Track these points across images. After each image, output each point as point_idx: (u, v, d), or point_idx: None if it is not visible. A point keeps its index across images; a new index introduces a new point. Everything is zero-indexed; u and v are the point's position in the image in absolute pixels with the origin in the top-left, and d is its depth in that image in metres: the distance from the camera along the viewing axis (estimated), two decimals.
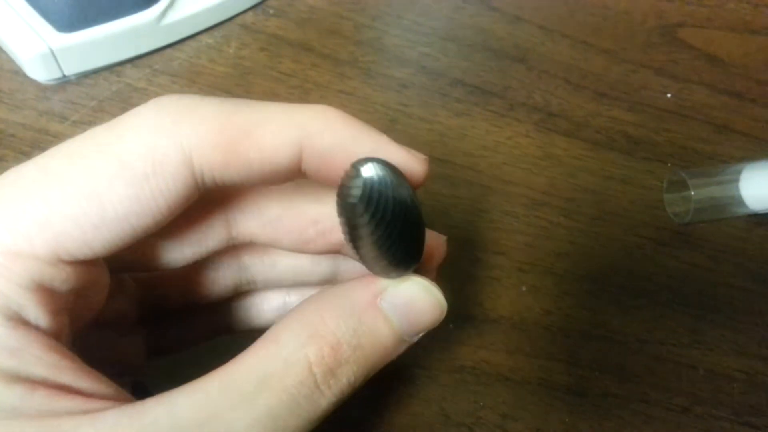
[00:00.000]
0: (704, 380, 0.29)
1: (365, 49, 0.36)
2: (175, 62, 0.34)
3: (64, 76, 0.32)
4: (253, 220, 0.19)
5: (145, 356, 0.21)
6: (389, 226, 0.16)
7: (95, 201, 0.14)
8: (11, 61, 0.32)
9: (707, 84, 0.38)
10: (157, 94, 0.33)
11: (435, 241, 0.21)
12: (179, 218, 0.17)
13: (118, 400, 0.15)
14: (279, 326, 0.16)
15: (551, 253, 0.31)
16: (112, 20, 0.32)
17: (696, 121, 0.37)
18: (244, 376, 0.15)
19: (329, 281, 0.22)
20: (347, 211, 0.15)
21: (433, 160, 0.33)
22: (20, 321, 0.14)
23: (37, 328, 0.15)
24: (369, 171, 0.15)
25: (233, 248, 0.20)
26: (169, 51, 0.34)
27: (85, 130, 0.31)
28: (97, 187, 0.14)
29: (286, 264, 0.21)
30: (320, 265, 0.21)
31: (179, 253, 0.19)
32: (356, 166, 0.15)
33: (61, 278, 0.15)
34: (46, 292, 0.15)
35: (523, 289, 0.30)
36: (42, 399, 0.14)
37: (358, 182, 0.15)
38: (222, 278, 0.21)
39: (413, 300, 0.18)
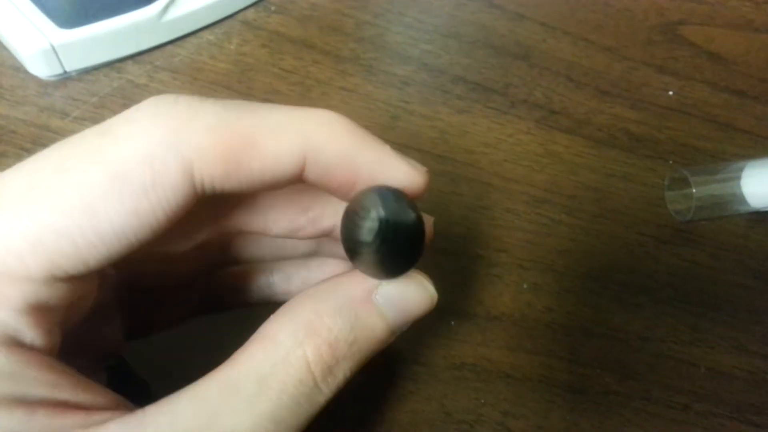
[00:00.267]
0: (705, 378, 0.29)
1: (367, 46, 0.36)
2: (176, 59, 0.34)
3: (65, 72, 0.32)
4: (244, 210, 0.19)
5: (123, 339, 0.21)
6: (394, 249, 0.16)
7: (90, 216, 0.14)
8: (12, 57, 0.32)
9: (709, 82, 0.38)
10: (158, 91, 0.33)
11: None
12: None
13: (118, 409, 0.15)
14: (274, 324, 0.16)
15: (552, 251, 0.31)
16: (113, 16, 0.32)
17: (698, 119, 0.37)
18: (243, 378, 0.15)
19: (312, 255, 0.22)
20: (356, 243, 0.16)
21: (435, 157, 0.33)
22: (16, 344, 0.14)
23: (32, 348, 0.14)
24: (383, 210, 0.15)
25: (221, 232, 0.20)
26: (170, 47, 0.34)
27: (86, 126, 0.31)
28: (92, 201, 0.14)
29: (269, 241, 0.21)
30: (304, 242, 0.21)
31: (166, 247, 0.18)
32: (368, 201, 0.15)
33: (56, 296, 0.14)
34: (41, 311, 0.14)
35: (525, 286, 0.30)
36: (42, 419, 0.13)
37: (373, 223, 0.15)
38: (202, 257, 0.21)
39: (406, 293, 0.18)
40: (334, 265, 0.22)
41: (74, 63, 0.32)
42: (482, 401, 0.27)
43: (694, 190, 0.32)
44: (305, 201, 0.19)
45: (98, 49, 0.32)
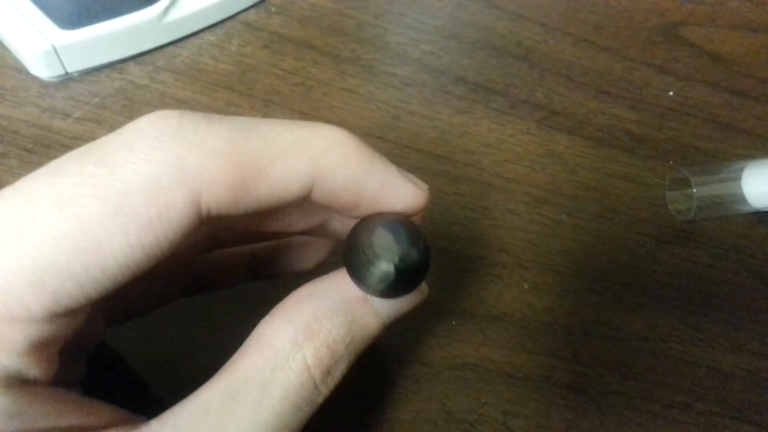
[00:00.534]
0: (706, 377, 0.29)
1: (367, 47, 0.36)
2: (178, 59, 0.34)
3: (67, 73, 0.32)
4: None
5: (103, 326, 0.20)
6: (401, 288, 0.16)
7: (93, 253, 0.13)
8: (14, 58, 0.32)
9: (709, 82, 0.38)
10: (159, 92, 0.33)
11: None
12: None
13: (123, 424, 0.15)
14: (272, 326, 0.16)
15: (553, 251, 0.31)
16: (114, 17, 0.32)
17: (698, 119, 0.37)
18: (245, 385, 0.15)
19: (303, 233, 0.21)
20: (365, 283, 0.16)
21: (435, 158, 0.33)
22: (20, 383, 0.13)
23: (36, 383, 0.14)
24: (398, 259, 0.15)
25: None
26: (171, 48, 0.34)
27: (87, 126, 0.31)
28: (95, 237, 0.13)
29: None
30: (304, 221, 0.20)
31: None
32: (381, 241, 0.15)
33: (59, 332, 0.14)
34: (43, 348, 0.14)
35: (525, 286, 0.30)
36: None
37: (387, 272, 0.15)
38: (190, 245, 0.20)
39: (407, 298, 0.18)
40: (320, 245, 0.22)
41: (75, 64, 0.32)
42: (483, 401, 0.27)
43: (694, 190, 0.32)
44: (309, 207, 0.18)
45: (99, 50, 0.32)
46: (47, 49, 0.31)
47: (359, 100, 0.34)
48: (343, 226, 0.19)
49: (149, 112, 0.34)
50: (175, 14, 0.34)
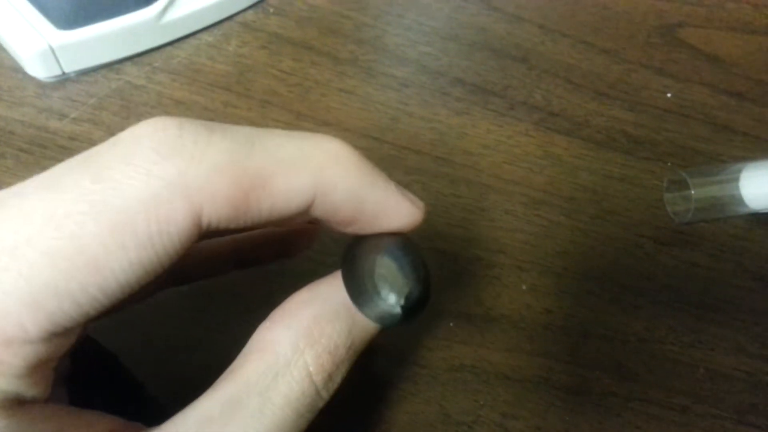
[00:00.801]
0: (705, 379, 0.29)
1: (365, 48, 0.36)
2: (175, 60, 0.34)
3: (64, 73, 0.32)
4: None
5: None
6: (404, 319, 0.16)
7: (92, 273, 0.13)
8: (10, 58, 0.32)
9: (707, 84, 0.38)
10: (156, 92, 0.33)
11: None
12: None
13: (123, 430, 0.15)
14: (272, 332, 0.16)
15: (551, 252, 0.31)
16: (112, 18, 0.32)
17: (696, 121, 0.37)
18: (246, 393, 0.15)
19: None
20: (367, 313, 0.16)
21: (433, 159, 0.33)
22: (17, 403, 0.13)
23: (35, 402, 0.14)
24: (404, 298, 0.15)
25: None
26: (169, 49, 0.34)
27: (84, 127, 0.31)
28: (93, 256, 0.13)
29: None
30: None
31: None
32: (384, 272, 0.15)
33: (56, 351, 0.14)
34: (40, 367, 0.14)
35: (524, 287, 0.30)
36: None
37: (393, 310, 0.15)
38: None
39: None
40: (307, 232, 0.22)
41: (73, 64, 0.32)
42: (481, 402, 0.27)
43: (692, 192, 0.32)
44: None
45: (97, 50, 0.32)
46: (44, 49, 0.31)
47: (357, 101, 0.34)
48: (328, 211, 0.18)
49: (146, 112, 0.34)
50: (172, 15, 0.34)
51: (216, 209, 0.13)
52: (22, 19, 0.31)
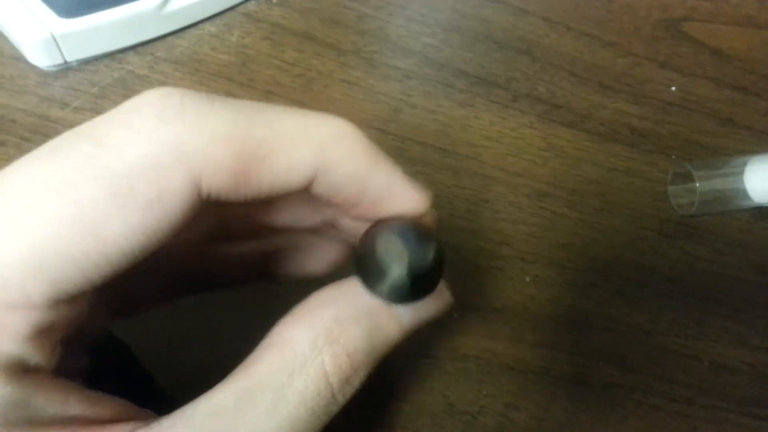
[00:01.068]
0: (708, 372, 0.29)
1: (368, 39, 0.36)
2: (178, 50, 0.34)
3: (66, 62, 0.32)
4: (251, 208, 0.18)
5: (108, 319, 0.20)
6: (416, 294, 0.16)
7: (93, 237, 0.13)
8: (12, 46, 0.32)
9: (712, 78, 0.38)
10: (159, 82, 0.33)
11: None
12: None
13: (131, 419, 0.14)
14: (291, 328, 0.16)
15: (555, 244, 0.31)
16: (114, 7, 0.32)
17: (700, 115, 0.37)
18: (260, 389, 0.15)
19: (318, 229, 0.20)
20: (378, 292, 0.16)
21: (437, 151, 0.33)
22: (22, 370, 0.13)
23: (39, 371, 0.14)
24: (409, 268, 0.15)
25: None
26: (171, 38, 0.34)
27: (86, 116, 0.31)
28: (94, 220, 0.13)
29: (266, 217, 0.19)
30: (307, 219, 0.19)
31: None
32: (392, 248, 0.15)
33: (59, 317, 0.14)
34: (44, 334, 0.14)
35: (527, 279, 0.30)
36: None
37: (401, 281, 0.15)
38: (196, 237, 0.19)
39: (429, 306, 0.17)
40: (332, 248, 0.21)
41: (75, 53, 0.32)
42: (485, 393, 0.27)
43: (697, 185, 0.32)
44: (314, 203, 0.17)
45: (99, 39, 0.32)
46: (46, 37, 0.30)
47: (360, 93, 0.34)
48: (354, 228, 0.18)
49: None
50: (175, 4, 0.33)
51: (216, 178, 0.13)
52: (24, 7, 0.30)
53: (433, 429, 0.26)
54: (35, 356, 0.13)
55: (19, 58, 0.32)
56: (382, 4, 0.37)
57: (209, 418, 0.14)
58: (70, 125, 0.31)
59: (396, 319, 0.17)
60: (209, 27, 0.35)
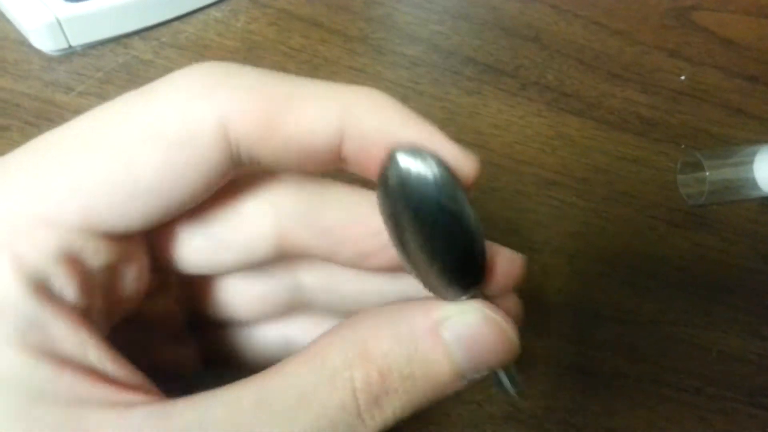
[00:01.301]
0: (717, 361, 0.29)
1: (375, 26, 0.36)
2: (183, 35, 0.33)
3: (70, 46, 0.31)
4: (306, 228, 0.16)
5: (198, 365, 0.19)
6: (432, 224, 0.14)
7: (127, 169, 0.13)
8: (17, 31, 0.31)
9: (721, 67, 0.38)
10: (164, 67, 0.32)
11: (506, 258, 0.17)
12: (224, 220, 0.16)
13: (147, 392, 0.14)
14: (325, 340, 0.15)
15: (563, 233, 0.31)
16: None
17: (709, 104, 0.36)
18: (282, 393, 0.14)
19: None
20: (384, 201, 0.14)
21: None
22: (47, 293, 0.13)
23: (63, 302, 0.13)
24: (409, 157, 0.14)
25: (288, 263, 0.18)
26: (176, 24, 0.34)
27: (91, 101, 0.30)
28: (129, 154, 0.13)
29: (349, 287, 0.18)
30: (388, 292, 0.18)
31: (221, 256, 0.17)
32: (395, 149, 0.14)
33: (92, 250, 0.14)
34: (75, 264, 0.14)
35: (535, 268, 0.29)
36: (69, 382, 0.13)
37: (396, 168, 0.14)
38: (272, 294, 0.19)
39: (479, 331, 0.15)
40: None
41: (79, 38, 0.31)
42: (491, 382, 0.26)
43: (707, 174, 0.31)
44: (376, 224, 0.16)
45: (104, 23, 0.32)
46: (51, 21, 0.30)
47: (367, 80, 0.34)
48: (359, 154, 0.16)
49: None
50: None
51: (242, 127, 0.14)
52: None
53: (440, 418, 0.26)
54: (61, 282, 0.13)
55: (23, 43, 0.31)
56: None
57: (225, 412, 0.13)
58: (75, 110, 0.31)
59: (444, 348, 0.15)
60: (215, 12, 0.35)
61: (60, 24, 0.30)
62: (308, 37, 0.34)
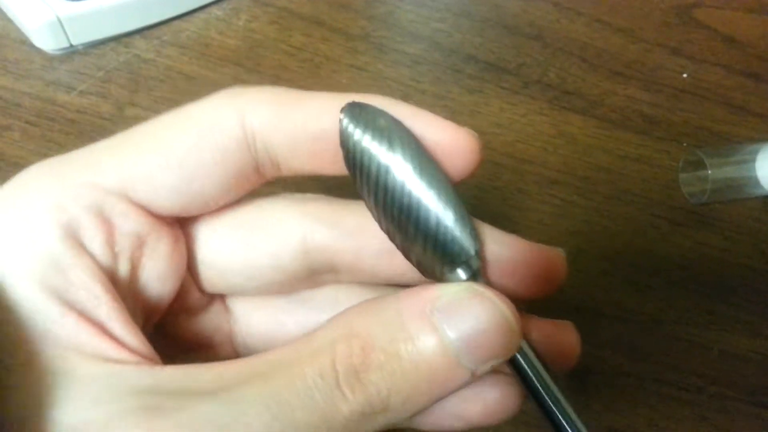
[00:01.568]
0: (718, 360, 0.29)
1: (377, 24, 0.36)
2: (184, 34, 0.33)
3: (72, 45, 0.31)
4: (331, 228, 0.17)
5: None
6: (392, 183, 0.15)
7: (160, 148, 0.15)
8: (18, 30, 0.31)
9: (723, 65, 0.38)
10: (165, 66, 0.32)
11: (548, 255, 0.17)
12: (250, 226, 0.17)
13: (147, 358, 0.14)
14: (318, 326, 0.15)
15: (565, 232, 0.31)
16: None
17: (712, 102, 0.36)
18: (267, 362, 0.14)
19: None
20: (342, 145, 0.15)
21: None
22: (76, 241, 0.15)
23: (88, 254, 0.15)
24: (353, 108, 0.15)
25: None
26: (177, 22, 0.34)
27: (92, 100, 0.30)
28: (163, 137, 0.16)
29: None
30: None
31: (250, 256, 0.17)
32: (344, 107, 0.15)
33: (122, 212, 0.15)
34: (105, 222, 0.15)
35: None
36: (72, 328, 0.14)
37: (345, 110, 0.15)
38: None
39: (467, 308, 0.14)
40: None
41: (81, 36, 0.31)
42: None
43: (709, 172, 0.31)
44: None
45: (105, 22, 0.32)
46: (52, 20, 0.30)
47: (368, 78, 0.34)
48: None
49: (155, 86, 0.34)
50: None
51: (257, 115, 0.16)
52: None
53: None
54: (90, 235, 0.15)
55: (24, 42, 0.31)
56: None
57: (211, 375, 0.14)
58: (76, 109, 0.31)
59: (431, 324, 0.14)
60: (216, 11, 0.34)
61: (61, 23, 0.30)
62: (309, 36, 0.34)
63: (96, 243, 0.15)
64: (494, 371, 0.17)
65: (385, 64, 0.34)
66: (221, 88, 0.34)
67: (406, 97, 0.33)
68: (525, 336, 0.16)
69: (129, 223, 0.16)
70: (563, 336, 0.19)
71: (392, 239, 0.16)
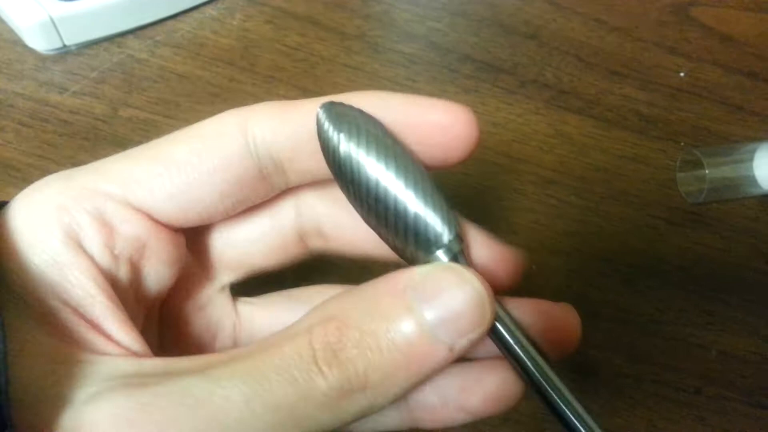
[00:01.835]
0: (716, 361, 0.28)
1: (372, 24, 0.35)
2: (178, 34, 0.33)
3: (65, 46, 0.31)
4: (322, 197, 0.19)
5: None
6: (360, 156, 0.15)
7: (163, 156, 0.16)
8: (10, 30, 0.31)
9: (720, 63, 0.38)
10: (159, 66, 0.32)
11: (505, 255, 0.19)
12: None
13: (135, 353, 0.15)
14: (301, 318, 0.16)
15: (561, 232, 0.30)
16: None
17: (709, 101, 0.36)
18: (249, 349, 0.15)
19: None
20: (320, 145, 0.16)
21: None
22: (76, 242, 0.15)
23: (87, 255, 0.15)
24: (330, 104, 0.16)
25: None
26: (171, 22, 0.33)
27: (85, 101, 0.30)
28: (167, 149, 0.16)
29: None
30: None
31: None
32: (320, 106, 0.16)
33: (122, 218, 0.16)
34: (105, 226, 0.16)
35: (533, 267, 0.29)
36: (64, 322, 0.14)
37: (321, 110, 0.16)
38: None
39: (441, 284, 0.15)
40: None
41: (74, 37, 0.31)
42: None
43: (707, 171, 0.31)
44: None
45: (98, 22, 0.31)
46: (45, 20, 0.30)
47: (364, 77, 0.33)
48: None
49: (149, 86, 0.33)
50: None
51: (258, 122, 0.16)
52: None
53: None
54: (89, 235, 0.16)
55: (17, 42, 0.31)
56: None
57: (190, 363, 0.14)
58: (70, 110, 0.31)
59: (406, 305, 0.14)
60: (210, 10, 0.34)
61: (54, 23, 0.30)
62: (304, 35, 0.34)
63: (95, 245, 0.16)
64: (492, 359, 0.18)
65: (380, 64, 0.34)
66: (215, 88, 0.33)
67: None
68: (512, 314, 0.17)
69: (129, 228, 0.16)
70: (563, 316, 0.19)
71: (375, 230, 0.16)
